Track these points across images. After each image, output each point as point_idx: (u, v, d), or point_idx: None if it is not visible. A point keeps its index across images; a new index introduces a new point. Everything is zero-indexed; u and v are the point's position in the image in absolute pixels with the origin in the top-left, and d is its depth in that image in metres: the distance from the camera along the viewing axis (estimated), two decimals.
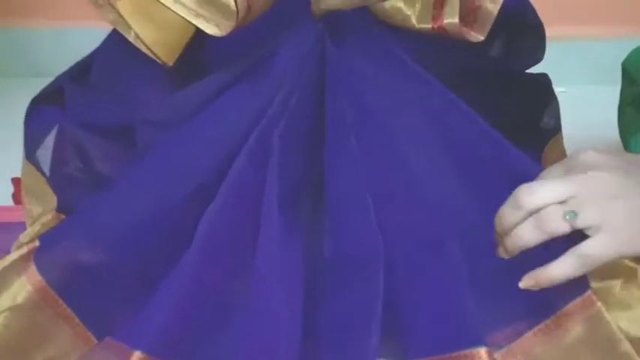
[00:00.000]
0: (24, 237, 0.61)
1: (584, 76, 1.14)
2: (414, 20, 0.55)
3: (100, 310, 0.49)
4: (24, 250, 0.49)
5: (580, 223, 0.42)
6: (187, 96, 0.54)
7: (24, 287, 0.48)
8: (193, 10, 0.51)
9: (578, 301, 0.47)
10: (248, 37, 0.54)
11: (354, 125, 0.49)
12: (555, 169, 0.45)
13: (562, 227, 0.42)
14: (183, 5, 0.50)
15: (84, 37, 1.01)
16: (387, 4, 0.55)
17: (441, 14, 0.55)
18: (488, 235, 0.47)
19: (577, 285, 0.47)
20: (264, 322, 0.46)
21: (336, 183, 0.49)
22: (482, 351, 0.44)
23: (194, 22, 0.50)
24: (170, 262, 0.49)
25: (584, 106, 1.02)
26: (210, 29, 0.50)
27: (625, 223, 0.42)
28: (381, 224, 0.47)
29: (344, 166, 0.49)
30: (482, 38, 0.56)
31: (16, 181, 0.78)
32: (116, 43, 0.60)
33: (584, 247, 0.42)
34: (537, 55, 0.65)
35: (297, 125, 0.49)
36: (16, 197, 0.78)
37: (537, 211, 0.42)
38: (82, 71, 0.63)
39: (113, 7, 0.55)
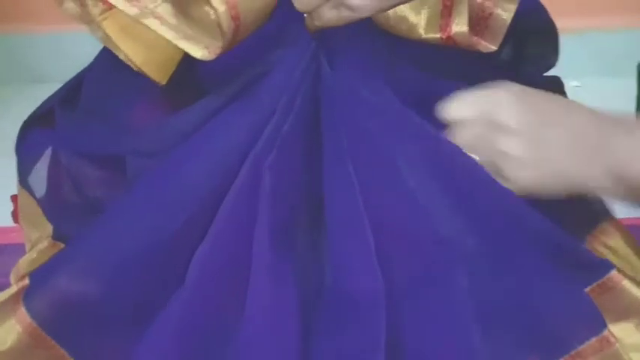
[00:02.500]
0: (22, 263, 0.60)
1: (594, 69, 1.11)
2: (420, 30, 0.53)
3: (93, 348, 0.48)
4: (13, 289, 0.48)
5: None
6: (177, 124, 0.52)
7: (13, 329, 0.46)
8: (181, 32, 0.49)
9: (593, 341, 0.45)
10: (240, 55, 0.51)
11: (351, 151, 0.47)
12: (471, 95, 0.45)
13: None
14: (170, 28, 0.48)
15: (81, 42, 0.99)
16: (390, 12, 0.52)
17: (450, 23, 0.52)
18: (494, 271, 0.45)
19: (593, 324, 0.45)
20: (261, 350, 0.44)
21: (335, 213, 0.47)
22: None
23: (180, 45, 0.48)
24: (163, 296, 0.47)
25: (599, 100, 0.99)
26: (198, 52, 0.48)
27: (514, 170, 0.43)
28: (382, 256, 0.45)
29: (342, 196, 0.47)
30: (494, 48, 0.53)
31: (16, 199, 0.76)
32: (106, 61, 0.58)
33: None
34: (550, 60, 0.62)
35: (290, 152, 0.47)
36: (17, 216, 0.76)
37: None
38: (72, 91, 0.61)
39: (99, 26, 0.54)
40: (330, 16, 0.47)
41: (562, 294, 0.47)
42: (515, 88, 0.45)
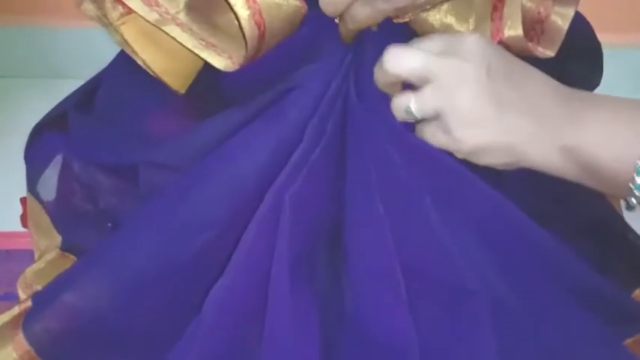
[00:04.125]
0: (29, 272, 0.57)
1: (625, 85, 1.05)
2: None
3: None
4: (15, 311, 0.45)
5: (420, 117, 0.42)
6: (196, 137, 0.49)
7: (10, 357, 0.43)
8: (203, 40, 0.45)
9: None
10: (267, 67, 0.48)
11: (378, 185, 0.43)
12: (435, 41, 0.42)
13: (405, 118, 0.42)
14: (192, 36, 0.45)
15: (105, 38, 0.98)
16: (433, 20, 0.48)
17: (501, 27, 0.47)
18: (525, 324, 0.41)
19: None
20: None
21: (360, 249, 0.43)
22: None
23: (202, 55, 0.45)
24: (178, 325, 0.44)
25: None
26: (221, 63, 0.44)
27: (463, 127, 0.40)
28: (409, 302, 0.41)
29: (369, 234, 0.43)
30: (552, 54, 0.48)
31: (25, 202, 0.74)
32: (124, 65, 0.55)
33: (422, 125, 0.43)
34: (594, 79, 0.58)
35: (316, 182, 0.43)
36: (24, 220, 0.74)
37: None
38: (87, 95, 0.59)
39: (117, 31, 0.51)
40: (363, 14, 0.43)
41: (602, 350, 0.43)
42: (487, 41, 0.41)
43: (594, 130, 0.38)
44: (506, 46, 0.46)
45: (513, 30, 0.46)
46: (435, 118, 0.41)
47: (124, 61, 0.56)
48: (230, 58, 0.45)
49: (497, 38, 0.47)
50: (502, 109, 0.39)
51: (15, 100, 1.06)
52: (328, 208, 0.45)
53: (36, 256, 0.61)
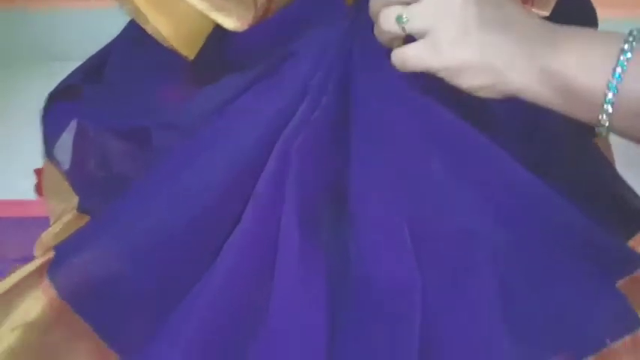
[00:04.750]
0: (46, 235, 0.60)
1: None
2: None
3: (117, 324, 0.47)
4: (37, 262, 0.48)
5: (408, 28, 0.43)
6: (204, 100, 0.51)
7: (38, 302, 0.46)
8: (213, 3, 0.48)
9: (627, 339, 0.44)
10: (270, 32, 0.50)
11: (382, 144, 0.45)
12: None
13: (393, 29, 0.43)
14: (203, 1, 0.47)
15: (106, 19, 0.99)
16: None
17: None
18: (522, 267, 0.44)
19: (625, 320, 0.44)
20: (285, 343, 0.44)
21: (366, 202, 0.46)
22: None
23: (212, 16, 0.47)
24: (192, 275, 0.47)
25: None
26: (230, 23, 0.47)
27: (448, 43, 0.42)
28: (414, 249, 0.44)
29: (374, 188, 0.45)
30: (546, 14, 0.50)
31: (39, 172, 0.77)
32: (133, 35, 0.57)
33: (405, 48, 0.43)
34: None
35: (319, 137, 0.46)
36: (40, 189, 0.77)
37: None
38: (95, 66, 0.61)
39: None
40: None
41: (593, 290, 0.45)
42: None
43: (571, 54, 0.40)
44: None
45: None
46: (421, 35, 0.42)
47: (130, 34, 0.59)
48: (239, 19, 0.47)
49: None
50: (486, 29, 0.41)
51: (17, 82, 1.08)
52: (332, 163, 0.47)
53: (51, 221, 0.63)
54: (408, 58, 0.43)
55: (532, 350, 0.44)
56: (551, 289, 0.45)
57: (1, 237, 0.69)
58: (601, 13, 0.66)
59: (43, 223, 0.69)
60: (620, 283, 0.46)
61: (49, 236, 0.59)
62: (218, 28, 0.50)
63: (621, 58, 0.38)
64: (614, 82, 0.38)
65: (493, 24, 0.41)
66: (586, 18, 0.60)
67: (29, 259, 0.66)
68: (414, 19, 0.42)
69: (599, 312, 0.45)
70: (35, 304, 0.46)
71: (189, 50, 0.53)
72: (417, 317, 0.43)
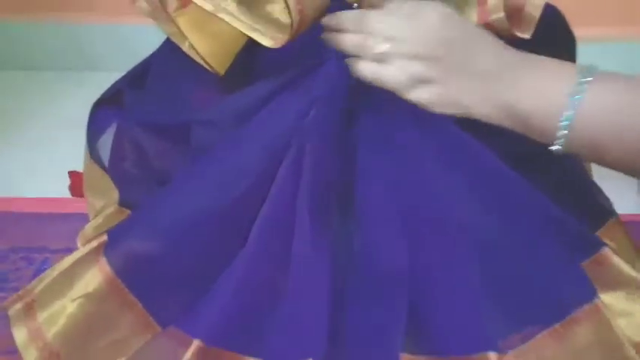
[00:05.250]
0: (89, 228, 0.67)
1: None
2: None
3: (161, 299, 0.54)
4: (94, 244, 0.55)
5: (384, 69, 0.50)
6: (238, 100, 0.58)
7: (95, 277, 0.54)
8: (249, 25, 0.55)
9: (586, 307, 0.51)
10: (294, 46, 0.57)
11: (384, 147, 0.53)
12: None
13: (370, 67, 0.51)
14: (241, 21, 0.55)
15: (135, 34, 1.05)
16: None
17: (487, 12, 0.56)
18: (507, 251, 0.52)
19: (585, 292, 0.51)
20: (299, 315, 0.51)
21: (368, 197, 0.54)
22: (492, 355, 0.49)
23: (252, 35, 0.54)
24: (224, 258, 0.54)
25: None
26: (267, 42, 0.54)
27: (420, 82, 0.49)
28: (406, 236, 0.52)
29: (375, 183, 0.53)
30: (527, 36, 0.57)
31: (72, 175, 0.83)
32: (170, 51, 0.64)
33: (382, 70, 0.50)
34: None
35: (329, 138, 0.54)
36: (73, 189, 0.83)
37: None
38: (138, 76, 0.68)
39: (172, 21, 0.60)
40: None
41: (563, 268, 0.53)
42: (445, 11, 0.49)
43: (528, 91, 0.47)
44: (491, 26, 0.55)
45: (496, 14, 0.55)
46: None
47: (167, 52, 0.66)
48: (273, 39, 0.54)
49: (484, 20, 0.56)
50: (453, 73, 0.48)
51: (53, 90, 1.15)
52: (339, 162, 0.55)
53: (90, 217, 0.70)
54: (387, 79, 0.50)
55: (510, 317, 0.51)
56: (526, 268, 0.53)
57: (41, 231, 0.76)
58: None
59: (77, 218, 0.77)
60: (584, 264, 0.54)
61: (91, 229, 0.66)
62: (248, 43, 0.58)
63: (573, 98, 0.45)
64: (566, 122, 0.45)
65: (460, 69, 0.48)
66: (564, 41, 0.67)
67: (68, 249, 0.73)
68: (393, 60, 0.49)
69: (567, 287, 0.53)
70: (93, 278, 0.54)
71: (221, 67, 0.60)
72: (406, 288, 0.51)
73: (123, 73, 0.71)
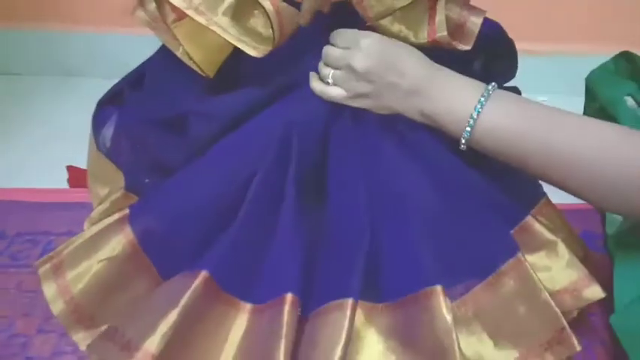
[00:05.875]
0: (96, 213, 0.75)
1: (563, 88, 1.23)
2: (412, 37, 0.68)
3: (170, 265, 0.64)
4: (116, 216, 0.65)
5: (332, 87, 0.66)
6: (236, 99, 0.68)
7: (120, 242, 0.64)
8: (236, 37, 0.65)
9: (511, 261, 0.63)
10: (277, 56, 0.68)
11: (353, 132, 0.66)
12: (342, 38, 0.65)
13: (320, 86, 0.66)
14: (230, 34, 0.65)
15: (111, 42, 1.12)
16: (393, 29, 0.69)
17: (434, 30, 0.67)
18: (448, 218, 0.64)
19: (510, 249, 0.63)
20: (282, 265, 0.62)
21: (338, 181, 0.66)
22: (438, 288, 0.60)
23: (239, 45, 0.65)
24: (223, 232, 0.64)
25: None
26: (251, 52, 0.65)
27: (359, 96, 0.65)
28: (369, 212, 0.64)
29: (344, 170, 0.65)
30: (468, 48, 0.68)
31: (70, 169, 0.92)
32: (164, 56, 0.74)
33: (328, 89, 0.66)
34: (510, 73, 0.80)
35: (311, 129, 0.66)
36: (71, 181, 0.92)
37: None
38: (137, 78, 0.78)
39: (170, 31, 0.70)
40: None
41: (494, 232, 0.65)
42: (376, 39, 0.63)
43: (440, 104, 0.61)
44: (437, 42, 0.68)
45: (441, 32, 0.67)
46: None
47: (162, 57, 0.75)
48: (255, 49, 0.65)
49: (432, 37, 0.67)
50: (384, 90, 0.63)
51: (30, 95, 1.20)
52: (318, 150, 0.67)
53: (94, 205, 0.79)
54: (330, 95, 0.65)
55: (450, 272, 0.63)
56: (463, 232, 0.65)
57: (44, 218, 0.84)
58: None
59: (76, 207, 0.85)
60: (513, 231, 0.67)
61: (98, 214, 0.75)
62: (234, 52, 0.67)
63: (473, 114, 0.59)
64: (469, 129, 0.60)
65: (390, 85, 0.62)
66: (505, 48, 0.79)
67: (70, 233, 0.82)
68: (339, 82, 0.65)
69: (495, 246, 0.65)
70: (118, 244, 0.64)
71: (211, 71, 0.70)
72: (366, 244, 0.62)
73: (103, 80, 0.79)
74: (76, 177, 0.90)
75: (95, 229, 0.65)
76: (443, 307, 0.59)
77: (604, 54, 0.89)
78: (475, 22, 0.71)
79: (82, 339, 0.64)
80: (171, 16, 0.70)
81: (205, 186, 0.65)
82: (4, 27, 1.23)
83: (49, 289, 0.64)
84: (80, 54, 1.24)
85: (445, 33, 0.66)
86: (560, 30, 1.32)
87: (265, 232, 0.64)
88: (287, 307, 0.58)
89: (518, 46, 0.79)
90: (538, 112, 0.59)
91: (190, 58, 0.70)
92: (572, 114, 0.59)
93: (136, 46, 0.77)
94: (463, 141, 0.61)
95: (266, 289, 0.62)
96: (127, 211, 0.65)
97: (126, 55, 0.78)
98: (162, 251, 0.65)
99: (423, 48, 0.65)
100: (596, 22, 1.32)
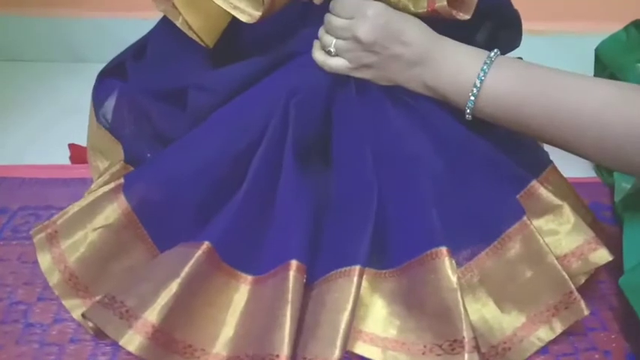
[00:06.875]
0: (95, 186, 0.74)
1: (568, 67, 1.17)
2: (411, 7, 0.66)
3: (167, 235, 0.64)
4: (112, 185, 0.64)
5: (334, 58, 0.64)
6: (234, 71, 0.68)
7: (115, 211, 0.63)
8: (231, 4, 0.65)
9: (517, 225, 0.62)
10: (272, 29, 0.68)
11: (358, 100, 0.64)
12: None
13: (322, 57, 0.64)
14: (225, 0, 0.64)
15: (118, 27, 1.13)
16: None
17: (434, 0, 0.65)
18: (453, 182, 0.63)
19: (515, 213, 0.62)
20: (284, 234, 0.61)
21: (343, 146, 0.65)
22: (444, 249, 0.59)
23: (233, 12, 0.64)
24: (222, 203, 0.63)
25: None
26: (244, 18, 0.64)
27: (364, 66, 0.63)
28: (375, 174, 0.63)
29: (349, 135, 0.64)
30: (468, 17, 0.66)
31: (72, 146, 0.92)
32: (165, 28, 0.73)
33: (330, 60, 0.64)
34: (515, 42, 0.78)
35: (312, 97, 0.64)
36: (73, 158, 0.92)
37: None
38: (139, 50, 0.78)
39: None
40: None
41: (499, 197, 0.64)
42: (380, 8, 0.61)
43: (444, 74, 0.60)
44: (437, 12, 0.65)
45: (440, 2, 0.64)
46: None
47: (163, 28, 0.75)
48: (250, 15, 0.64)
49: (432, 7, 0.65)
50: (387, 61, 0.62)
51: (39, 79, 1.19)
52: (320, 117, 0.66)
53: (94, 178, 0.78)
54: (331, 66, 0.64)
55: (457, 238, 0.62)
56: (469, 197, 0.64)
57: (45, 193, 0.84)
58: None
59: (77, 183, 0.85)
60: (519, 196, 0.66)
61: (97, 186, 0.73)
62: (233, 23, 0.67)
63: (477, 82, 0.58)
64: (472, 98, 0.59)
65: (393, 56, 0.61)
66: (510, 19, 0.76)
67: None
68: (341, 53, 0.63)
69: (501, 210, 0.64)
70: (113, 212, 0.63)
71: (210, 40, 0.70)
72: (374, 208, 0.62)
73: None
74: (78, 154, 0.90)
75: (90, 197, 0.64)
76: (448, 267, 0.58)
77: (609, 33, 0.87)
78: None
79: (76, 306, 0.63)
80: None
81: (202, 154, 0.64)
82: (13, 14, 1.24)
83: (44, 259, 0.64)
84: (89, 39, 1.24)
85: (445, 2, 0.65)
86: (564, 9, 1.29)
87: (267, 204, 0.63)
88: (292, 273, 0.58)
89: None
90: (542, 76, 0.58)
91: (190, 28, 0.69)
92: (577, 76, 0.58)
93: (144, 31, 0.78)
94: (468, 111, 0.60)
95: (268, 261, 0.61)
96: (122, 180, 0.64)
97: (134, 40, 0.79)
98: (158, 220, 0.64)
99: (422, 18, 0.64)
100: (601, 0, 1.28)
